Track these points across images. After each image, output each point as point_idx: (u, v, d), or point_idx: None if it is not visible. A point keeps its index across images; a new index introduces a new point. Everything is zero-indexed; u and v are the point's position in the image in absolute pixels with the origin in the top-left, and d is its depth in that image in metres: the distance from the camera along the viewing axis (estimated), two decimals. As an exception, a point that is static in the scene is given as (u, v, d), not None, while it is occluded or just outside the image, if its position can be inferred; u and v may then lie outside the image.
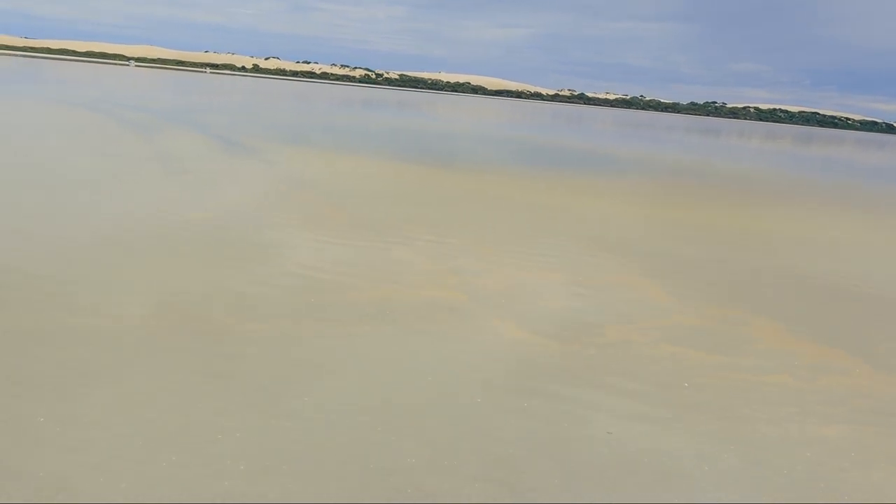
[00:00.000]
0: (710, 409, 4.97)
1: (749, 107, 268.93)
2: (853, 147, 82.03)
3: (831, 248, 12.32)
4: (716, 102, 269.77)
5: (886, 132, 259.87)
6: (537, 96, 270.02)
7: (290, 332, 5.68)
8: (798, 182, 27.21)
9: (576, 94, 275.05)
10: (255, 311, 6.06)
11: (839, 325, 7.40)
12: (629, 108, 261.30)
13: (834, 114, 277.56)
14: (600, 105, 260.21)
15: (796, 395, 5.35)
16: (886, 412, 5.20)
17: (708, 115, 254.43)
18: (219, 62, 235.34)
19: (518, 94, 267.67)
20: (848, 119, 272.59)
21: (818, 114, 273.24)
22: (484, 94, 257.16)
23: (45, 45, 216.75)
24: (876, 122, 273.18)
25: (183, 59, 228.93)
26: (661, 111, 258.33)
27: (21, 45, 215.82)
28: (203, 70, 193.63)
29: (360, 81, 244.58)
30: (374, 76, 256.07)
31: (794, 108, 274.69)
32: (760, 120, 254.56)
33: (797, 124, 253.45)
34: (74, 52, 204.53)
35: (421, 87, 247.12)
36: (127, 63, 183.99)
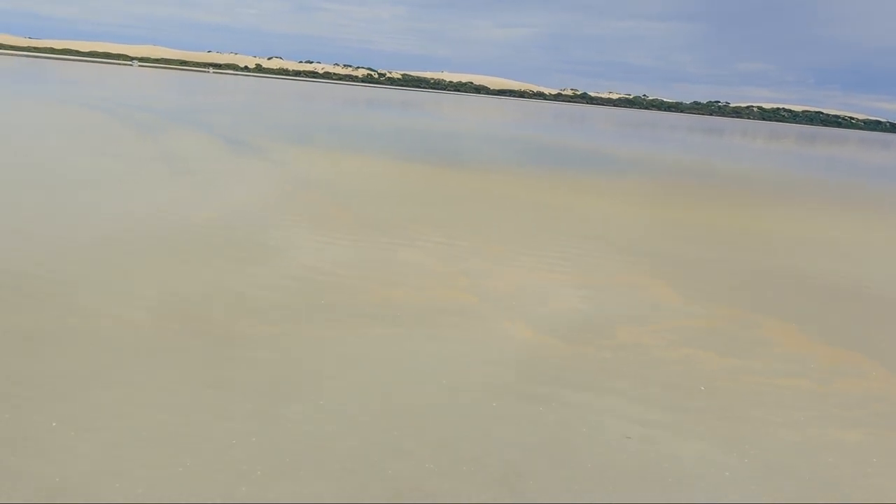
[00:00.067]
0: (727, 413, 4.85)
1: (752, 106, 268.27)
2: (857, 146, 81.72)
3: (837, 248, 12.18)
4: (719, 102, 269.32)
5: (890, 131, 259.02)
6: (540, 96, 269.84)
7: (297, 333, 5.57)
8: (801, 182, 27.04)
9: (578, 93, 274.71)
10: (261, 313, 5.96)
11: (851, 326, 7.27)
12: (632, 107, 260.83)
13: (838, 113, 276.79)
14: (603, 104, 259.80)
15: (813, 399, 5.23)
16: (907, 416, 5.08)
17: (711, 114, 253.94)
18: (222, 62, 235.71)
19: (521, 94, 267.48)
20: (852, 118, 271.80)
21: (822, 113, 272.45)
22: (486, 93, 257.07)
23: (49, 45, 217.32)
24: (880, 122, 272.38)
25: (186, 59, 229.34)
26: (664, 110, 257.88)
27: (25, 45, 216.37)
28: (206, 70, 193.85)
29: (362, 81, 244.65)
30: (376, 76, 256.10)
31: (797, 108, 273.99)
32: (764, 119, 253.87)
33: (801, 124, 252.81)
34: (78, 52, 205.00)
35: (423, 87, 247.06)
36: (130, 63, 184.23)
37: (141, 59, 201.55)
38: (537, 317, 6.51)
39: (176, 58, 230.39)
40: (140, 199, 10.40)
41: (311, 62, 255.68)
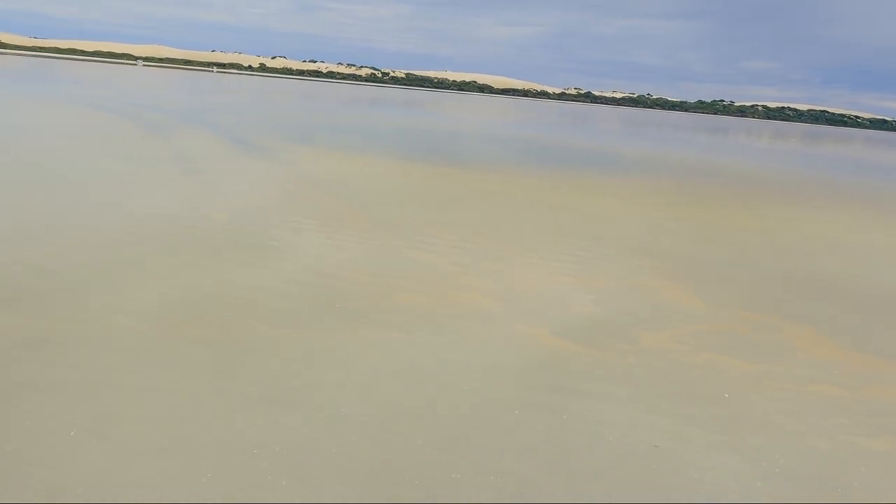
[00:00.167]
0: (754, 420, 4.79)
1: (757, 105, 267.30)
2: (863, 145, 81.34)
3: (855, 249, 12.08)
4: (723, 100, 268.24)
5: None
6: (543, 95, 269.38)
7: (305, 335, 5.53)
8: (811, 181, 26.89)
9: (582, 92, 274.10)
10: (272, 314, 5.91)
11: (875, 331, 7.19)
12: (636, 106, 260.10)
13: (844, 112, 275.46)
14: (607, 103, 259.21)
15: (842, 406, 5.16)
16: (936, 424, 5.00)
17: (715, 113, 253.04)
18: (226, 61, 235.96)
19: (524, 93, 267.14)
20: (858, 117, 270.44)
21: (827, 112, 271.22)
22: (490, 92, 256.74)
23: (54, 45, 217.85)
24: (886, 121, 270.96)
25: (190, 59, 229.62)
26: (669, 109, 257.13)
27: (30, 44, 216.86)
28: (210, 69, 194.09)
29: (366, 80, 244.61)
30: (380, 75, 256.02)
31: (803, 107, 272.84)
32: (769, 118, 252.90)
33: (806, 122, 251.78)
34: (82, 52, 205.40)
35: (427, 86, 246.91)
36: (135, 63, 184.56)
37: (145, 59, 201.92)
38: (557, 321, 6.45)
39: (180, 57, 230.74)
40: (151, 199, 10.37)
41: (315, 61, 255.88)
